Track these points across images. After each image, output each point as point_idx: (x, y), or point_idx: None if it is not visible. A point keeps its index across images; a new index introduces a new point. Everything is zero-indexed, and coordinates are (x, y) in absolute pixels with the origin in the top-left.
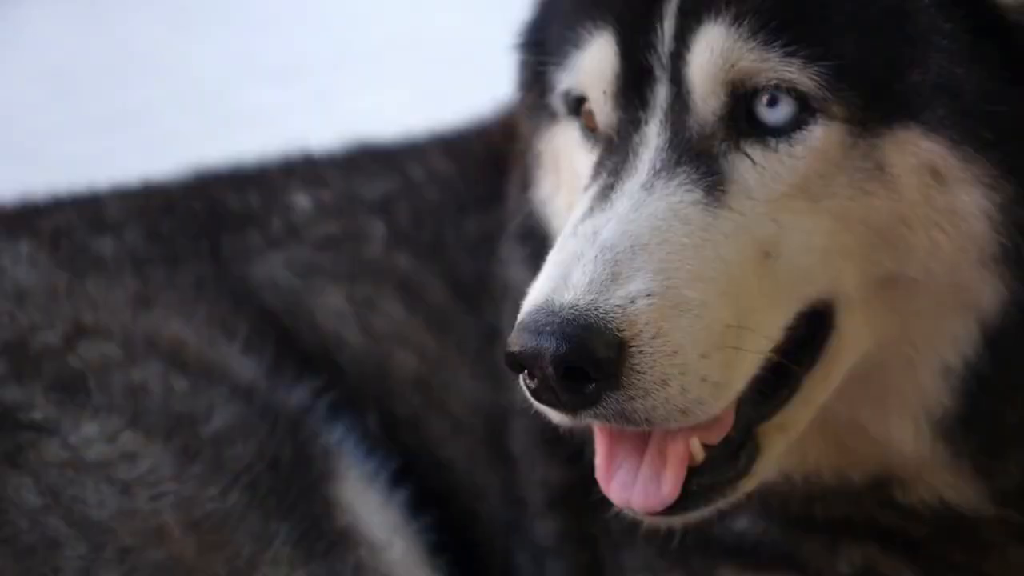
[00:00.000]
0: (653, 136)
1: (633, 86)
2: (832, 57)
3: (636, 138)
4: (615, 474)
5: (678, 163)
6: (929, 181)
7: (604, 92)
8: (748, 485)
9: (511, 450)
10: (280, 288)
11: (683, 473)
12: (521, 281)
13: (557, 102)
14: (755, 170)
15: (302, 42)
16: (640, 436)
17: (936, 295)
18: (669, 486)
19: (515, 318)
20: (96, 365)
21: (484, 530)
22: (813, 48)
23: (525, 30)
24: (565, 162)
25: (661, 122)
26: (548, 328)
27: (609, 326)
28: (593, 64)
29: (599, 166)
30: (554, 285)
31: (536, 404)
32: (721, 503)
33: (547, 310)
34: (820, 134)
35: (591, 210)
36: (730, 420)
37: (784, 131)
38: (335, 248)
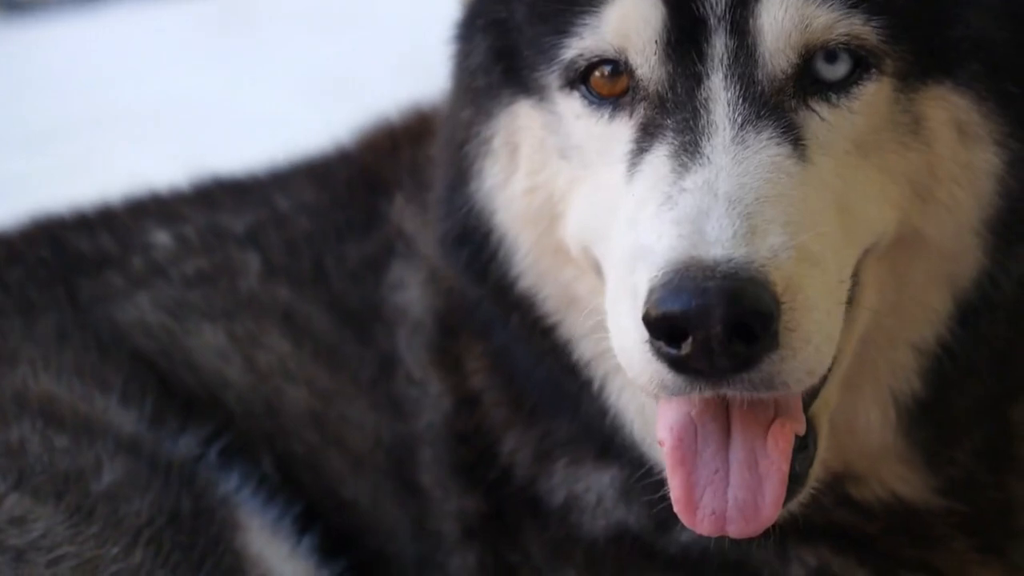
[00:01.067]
0: (720, 90)
1: (685, 38)
2: (890, 11)
3: (701, 92)
4: (699, 503)
5: (759, 117)
6: (955, 136)
7: (655, 42)
8: (817, 472)
9: (420, 482)
10: (151, 329)
11: (783, 487)
12: (419, 301)
13: (550, 76)
14: (824, 126)
15: (53, 107)
16: (720, 455)
17: (931, 261)
18: (771, 505)
19: (414, 342)
20: None
21: (396, 570)
22: (873, 1)
23: (470, 14)
24: (528, 142)
25: (726, 75)
26: (711, 284)
27: (769, 278)
28: (630, 16)
29: (651, 126)
30: (691, 241)
31: (663, 373)
32: (800, 497)
33: (700, 266)
34: (874, 89)
35: (683, 166)
36: (800, 404)
37: (842, 87)
38: (207, 284)
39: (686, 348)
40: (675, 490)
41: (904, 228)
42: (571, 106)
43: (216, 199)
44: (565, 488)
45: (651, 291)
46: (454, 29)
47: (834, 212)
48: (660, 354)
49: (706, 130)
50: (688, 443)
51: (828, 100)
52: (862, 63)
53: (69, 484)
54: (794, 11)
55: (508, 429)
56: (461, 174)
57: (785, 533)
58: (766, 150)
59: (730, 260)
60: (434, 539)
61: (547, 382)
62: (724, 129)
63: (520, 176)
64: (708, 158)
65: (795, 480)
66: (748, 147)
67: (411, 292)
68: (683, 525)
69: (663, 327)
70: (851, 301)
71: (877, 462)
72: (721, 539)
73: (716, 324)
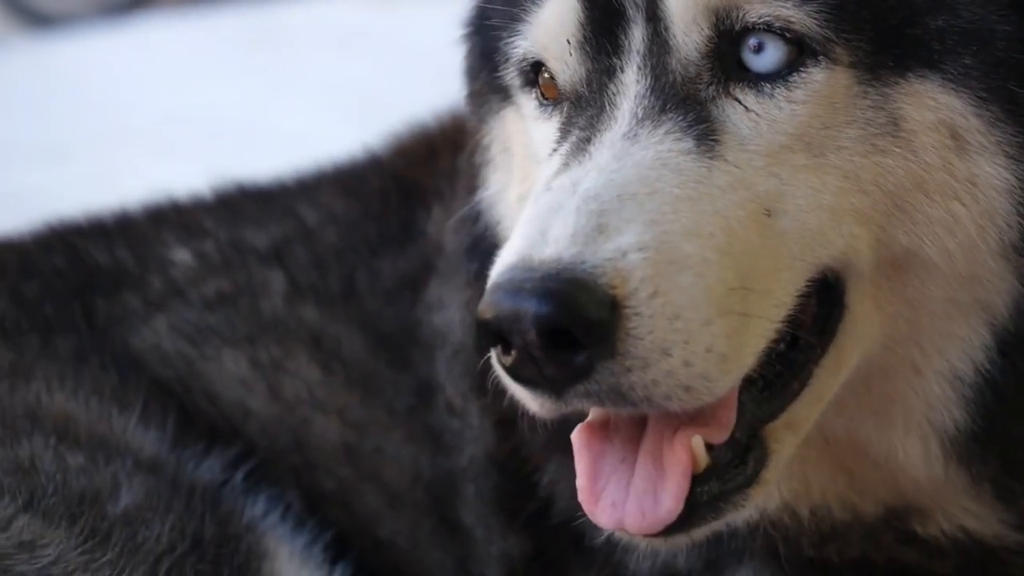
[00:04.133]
0: (631, 83)
1: (603, 31)
2: None
3: (612, 87)
4: (602, 492)
5: (663, 110)
6: (948, 143)
7: (568, 41)
8: (759, 494)
9: (462, 521)
10: (168, 356)
11: (686, 483)
12: (460, 323)
13: (512, 75)
14: (749, 117)
15: (79, 120)
16: (629, 444)
17: (949, 286)
18: (670, 499)
19: (455, 368)
20: None
21: None
22: None
23: (470, 15)
24: (518, 148)
25: (639, 67)
26: (528, 285)
27: (599, 281)
28: (553, 15)
29: (567, 124)
30: (530, 241)
31: (513, 387)
32: (730, 516)
33: (524, 267)
34: (822, 78)
35: (566, 165)
36: (733, 416)
37: (779, 75)
38: (228, 306)
39: (509, 359)
40: (580, 476)
41: (886, 248)
42: (529, 107)
43: (239, 210)
44: None
45: (487, 291)
46: (463, 28)
47: (749, 214)
48: (499, 364)
49: (603, 126)
50: (599, 427)
51: (758, 89)
52: (805, 50)
53: (84, 506)
54: None
55: (547, 457)
56: (472, 183)
57: (852, 574)
58: (658, 145)
59: (557, 260)
60: None
61: None
62: (620, 124)
63: (514, 183)
64: (590, 155)
65: (720, 497)
66: (638, 142)
67: (451, 313)
68: (735, 566)
69: (485, 333)
70: (825, 327)
71: (938, 496)
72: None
73: (528, 328)
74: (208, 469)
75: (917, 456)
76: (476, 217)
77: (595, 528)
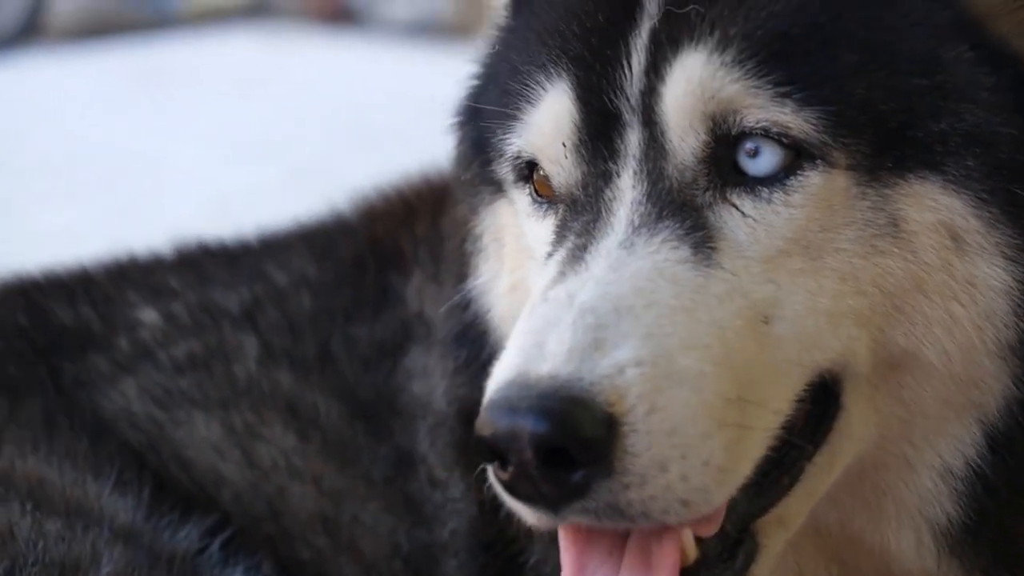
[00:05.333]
0: (627, 188)
1: (599, 135)
2: (836, 101)
3: (608, 193)
4: None
5: (659, 217)
6: (948, 243)
7: (563, 144)
8: None
9: None
10: (138, 420)
11: None
12: (444, 393)
13: (504, 170)
14: (746, 223)
15: None
16: (616, 538)
17: (945, 387)
18: None
19: (438, 438)
20: None
21: None
22: (813, 89)
23: (462, 103)
24: (509, 239)
25: (635, 172)
26: (524, 404)
27: (597, 399)
28: (548, 117)
29: (563, 229)
30: (527, 356)
31: (510, 501)
32: None
33: (521, 384)
34: (819, 181)
35: (562, 274)
36: (722, 510)
37: (776, 179)
38: (200, 369)
39: (506, 474)
40: (565, 568)
41: (884, 349)
42: (523, 203)
43: (205, 270)
44: None
45: (482, 410)
46: (453, 117)
47: (746, 323)
48: (496, 479)
49: (599, 233)
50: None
51: (755, 194)
52: (802, 153)
53: (66, 574)
54: (696, 83)
55: (532, 540)
56: (461, 270)
57: None
58: (654, 255)
59: (554, 377)
60: None
61: None
62: (616, 232)
63: (505, 273)
64: (586, 264)
65: None
66: (634, 251)
67: (434, 381)
68: None
69: (483, 449)
70: (819, 426)
71: None
72: None
73: (525, 447)
74: (185, 538)
75: (910, 547)
76: (466, 305)
77: None
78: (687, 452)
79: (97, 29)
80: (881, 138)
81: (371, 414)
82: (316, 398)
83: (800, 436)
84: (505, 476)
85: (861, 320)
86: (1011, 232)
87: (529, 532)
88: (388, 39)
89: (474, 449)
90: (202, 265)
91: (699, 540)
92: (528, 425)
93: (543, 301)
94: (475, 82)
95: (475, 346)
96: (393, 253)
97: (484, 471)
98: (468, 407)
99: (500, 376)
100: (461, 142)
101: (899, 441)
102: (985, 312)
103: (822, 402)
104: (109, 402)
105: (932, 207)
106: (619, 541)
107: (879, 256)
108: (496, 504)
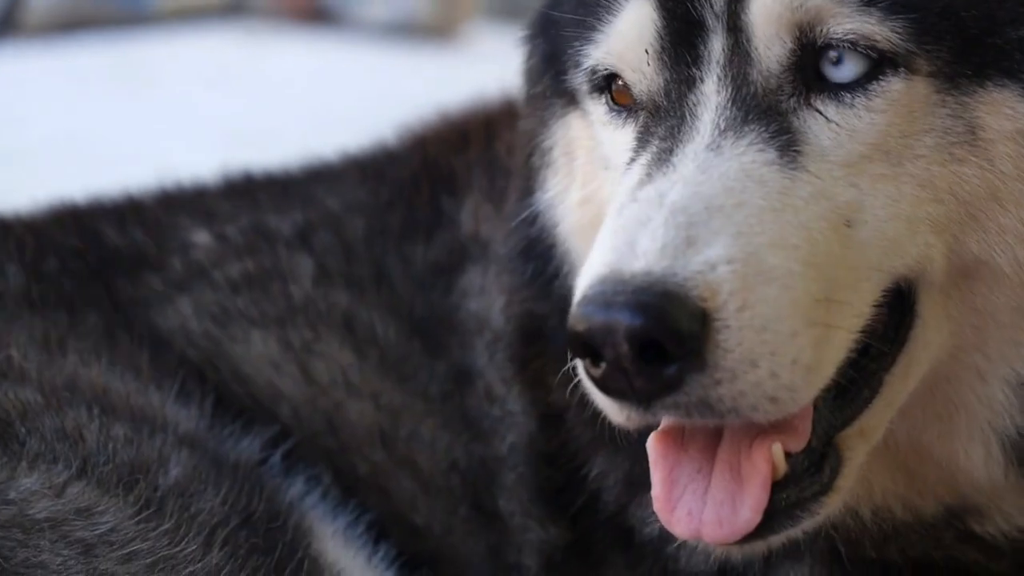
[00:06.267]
0: (712, 93)
1: (681, 42)
2: (918, 8)
3: (692, 98)
4: (678, 501)
5: (745, 121)
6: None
7: (646, 51)
8: (834, 502)
9: (499, 510)
10: (195, 336)
11: (766, 492)
12: (501, 310)
13: (579, 81)
14: (829, 128)
15: None
16: (706, 454)
17: (1017, 295)
18: (750, 507)
19: (496, 354)
20: (18, 409)
21: None
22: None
23: (534, 18)
24: (581, 152)
25: (719, 78)
26: (620, 299)
27: (691, 295)
28: (631, 25)
29: (646, 134)
30: (619, 253)
31: (599, 398)
32: (807, 524)
33: (615, 280)
34: (901, 87)
35: (649, 175)
36: (809, 424)
37: (858, 85)
38: (255, 288)
39: (598, 370)
40: (655, 484)
41: (958, 257)
42: (599, 113)
43: (255, 197)
44: (659, 519)
45: (574, 306)
46: (525, 30)
47: (831, 225)
48: (587, 375)
49: (685, 137)
50: (675, 436)
51: (838, 99)
52: (884, 60)
53: (136, 475)
54: None
55: (595, 451)
56: (528, 185)
57: (903, 571)
58: (742, 156)
59: (647, 273)
60: (513, 572)
61: None
62: (702, 135)
63: (576, 187)
64: (674, 166)
65: (797, 504)
66: (721, 153)
67: (491, 299)
68: (794, 562)
69: (577, 344)
70: (896, 335)
71: (996, 497)
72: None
73: (621, 341)
74: (247, 448)
75: (979, 459)
76: (533, 219)
77: (644, 523)
78: (776, 349)
79: (73, 24)
80: (961, 45)
81: (428, 332)
82: (372, 316)
83: (880, 343)
84: (597, 372)
85: (938, 227)
86: None
87: (592, 444)
88: (365, 39)
89: (570, 346)
90: (252, 192)
91: (787, 456)
92: (624, 319)
93: (632, 201)
94: None
95: (541, 261)
96: (446, 175)
97: (546, 381)
98: (527, 323)
99: (593, 272)
100: (531, 55)
101: (972, 352)
102: None
103: (898, 310)
104: (165, 319)
105: (1010, 115)
106: (709, 456)
107: (956, 164)
108: (558, 417)
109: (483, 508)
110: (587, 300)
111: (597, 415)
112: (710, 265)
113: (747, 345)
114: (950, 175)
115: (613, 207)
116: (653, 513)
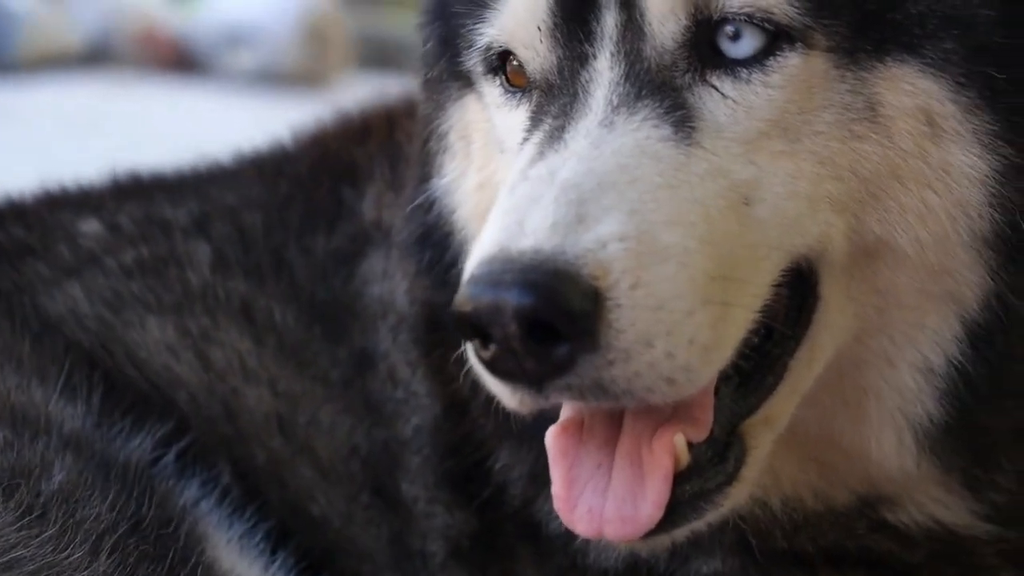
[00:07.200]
0: (604, 70)
1: (573, 18)
2: None
3: (584, 75)
4: (579, 499)
5: (639, 97)
6: (924, 129)
7: (538, 28)
8: (739, 492)
9: (402, 495)
10: (85, 321)
11: (668, 485)
12: (405, 293)
13: (474, 62)
14: (725, 104)
15: None
16: (606, 448)
17: (920, 277)
18: (651, 502)
19: (400, 336)
20: None
21: None
22: None
23: (430, 2)
24: (478, 136)
25: (612, 54)
26: (508, 277)
27: (582, 272)
28: (520, 2)
29: (538, 113)
30: (508, 232)
31: (490, 382)
32: (711, 516)
33: (503, 259)
34: (798, 63)
35: (541, 154)
36: (711, 413)
37: (755, 60)
38: (150, 275)
39: (488, 352)
40: (555, 483)
41: (859, 236)
42: (493, 94)
43: (146, 193)
44: None
45: (462, 287)
46: (419, 16)
47: (728, 203)
48: (477, 358)
49: (577, 114)
50: (573, 433)
51: (735, 75)
52: (781, 35)
53: (17, 480)
54: None
55: (500, 443)
56: (425, 171)
57: (821, 562)
58: (636, 132)
59: (537, 251)
60: (417, 560)
61: None
62: (595, 112)
63: (473, 171)
64: (566, 143)
65: (701, 496)
66: (614, 129)
67: (395, 283)
68: (705, 556)
69: (464, 326)
70: (799, 319)
71: (909, 486)
72: (745, 567)
73: (509, 321)
74: (138, 447)
75: (890, 447)
76: (430, 205)
77: (551, 518)
78: (672, 328)
79: None
80: (860, 20)
81: (329, 318)
82: (271, 303)
83: (783, 326)
84: (487, 354)
85: (838, 206)
86: (988, 118)
87: (496, 435)
88: (233, 88)
89: (456, 326)
90: (143, 188)
91: (689, 446)
92: (512, 299)
93: (523, 179)
94: None
95: (439, 248)
96: (347, 167)
97: (448, 370)
98: (430, 308)
99: (481, 252)
100: (427, 39)
101: (878, 336)
102: (959, 201)
103: (800, 292)
104: (54, 304)
105: (909, 91)
106: (608, 450)
107: (856, 141)
108: (462, 407)
109: (385, 494)
110: (474, 280)
111: (501, 407)
112: (601, 243)
113: (641, 325)
114: (850, 152)
115: (504, 187)
116: None
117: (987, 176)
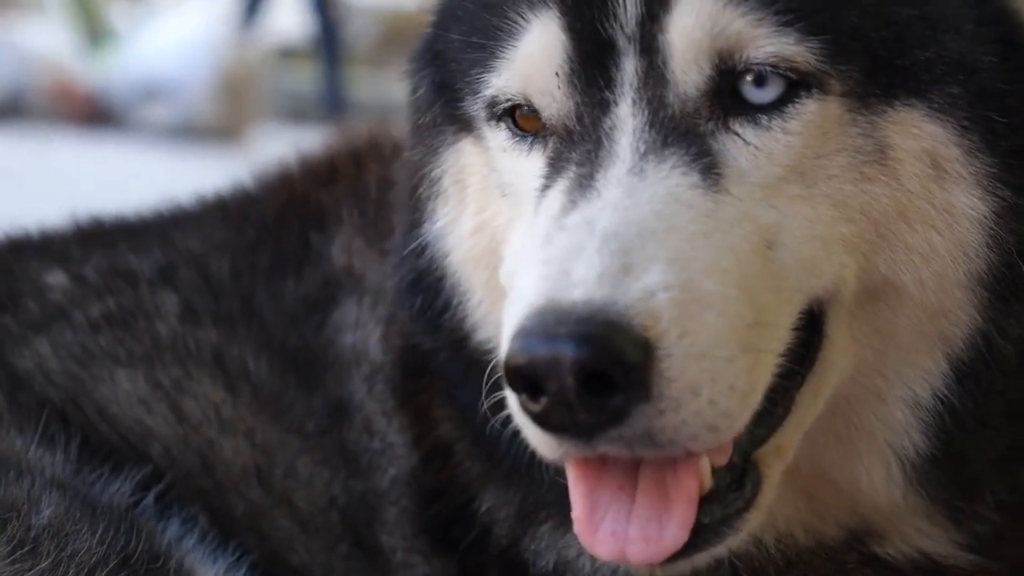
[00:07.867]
0: (627, 117)
1: (593, 63)
2: (831, 29)
3: (607, 121)
4: (601, 522)
5: (665, 144)
6: (929, 171)
7: (556, 74)
8: (756, 519)
9: (380, 545)
10: (55, 376)
11: (693, 508)
12: (379, 342)
13: (477, 108)
14: (748, 151)
15: None
16: (628, 471)
17: (918, 317)
18: (677, 524)
19: (375, 386)
20: None
21: None
22: (811, 18)
23: (420, 47)
24: (473, 180)
25: (634, 101)
26: (563, 330)
27: (634, 323)
28: (538, 47)
29: (558, 159)
30: (555, 283)
31: (533, 433)
32: (731, 541)
33: (554, 311)
34: (815, 108)
35: (573, 202)
36: (732, 441)
37: (774, 107)
38: (117, 328)
39: (537, 405)
40: (576, 506)
41: (868, 276)
42: (498, 139)
43: (110, 239)
44: (554, 552)
45: (509, 340)
46: (407, 64)
47: (754, 248)
48: (525, 411)
49: (605, 161)
50: (592, 455)
51: (756, 122)
52: (799, 82)
53: (8, 515)
54: (705, 17)
55: (485, 485)
56: (415, 217)
57: None
58: (666, 180)
59: (588, 302)
60: None
61: (521, 442)
62: (623, 159)
63: (468, 215)
64: (598, 192)
65: (723, 521)
66: (645, 178)
67: (368, 332)
68: None
69: (516, 379)
70: (806, 355)
71: (895, 518)
72: None
73: (566, 374)
74: (117, 491)
75: (879, 480)
76: (421, 251)
77: (539, 556)
78: (716, 376)
79: None
80: (871, 66)
81: (302, 367)
82: (243, 352)
83: (790, 362)
84: (536, 407)
85: (850, 247)
86: (988, 161)
87: (482, 478)
88: (148, 142)
89: (507, 380)
90: (105, 235)
91: (711, 471)
92: (570, 352)
93: (560, 229)
94: (434, 23)
95: (431, 293)
96: (314, 210)
97: (431, 415)
98: (411, 357)
99: (529, 303)
100: (419, 86)
101: (872, 373)
102: (960, 241)
103: (808, 331)
104: (22, 360)
105: (916, 134)
106: (631, 473)
107: (867, 183)
108: (445, 451)
109: (364, 545)
110: (526, 332)
111: (489, 449)
112: (650, 292)
113: (689, 373)
114: (861, 194)
115: (538, 237)
116: (547, 546)
117: (986, 217)
